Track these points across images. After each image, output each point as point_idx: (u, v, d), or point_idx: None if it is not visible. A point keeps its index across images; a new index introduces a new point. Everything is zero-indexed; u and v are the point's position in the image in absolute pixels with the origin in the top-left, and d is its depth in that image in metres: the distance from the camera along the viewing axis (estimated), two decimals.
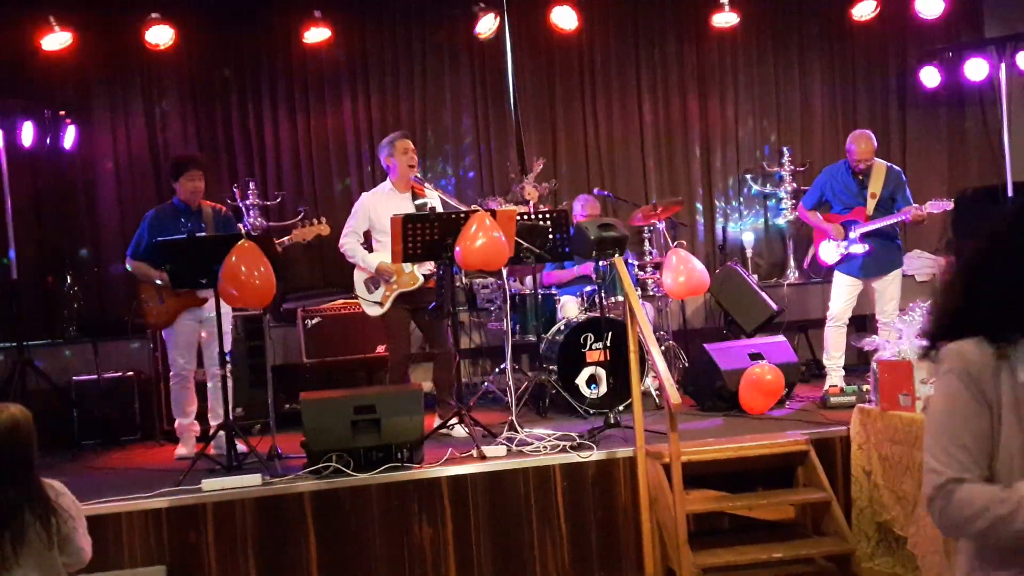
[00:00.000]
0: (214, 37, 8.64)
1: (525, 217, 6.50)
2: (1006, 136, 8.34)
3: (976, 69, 8.68)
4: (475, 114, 9.10)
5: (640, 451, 5.34)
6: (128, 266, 6.43)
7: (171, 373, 6.42)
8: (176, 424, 6.48)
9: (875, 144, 7.02)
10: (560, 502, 5.37)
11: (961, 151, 9.69)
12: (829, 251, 7.06)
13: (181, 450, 6.37)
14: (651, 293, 7.80)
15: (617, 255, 6.12)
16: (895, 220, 6.82)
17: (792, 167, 9.17)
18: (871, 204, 6.91)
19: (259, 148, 8.72)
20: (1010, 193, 8.23)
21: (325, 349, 7.49)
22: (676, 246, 6.84)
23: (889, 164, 7.10)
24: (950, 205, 6.89)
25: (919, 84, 9.06)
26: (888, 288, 6.91)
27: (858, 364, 7.47)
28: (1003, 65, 8.42)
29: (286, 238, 6.42)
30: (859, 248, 6.89)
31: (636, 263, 7.82)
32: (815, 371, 8.07)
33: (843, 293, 6.96)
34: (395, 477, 5.22)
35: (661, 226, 7.76)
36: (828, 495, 5.18)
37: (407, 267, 6.35)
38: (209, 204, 6.49)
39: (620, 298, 6.85)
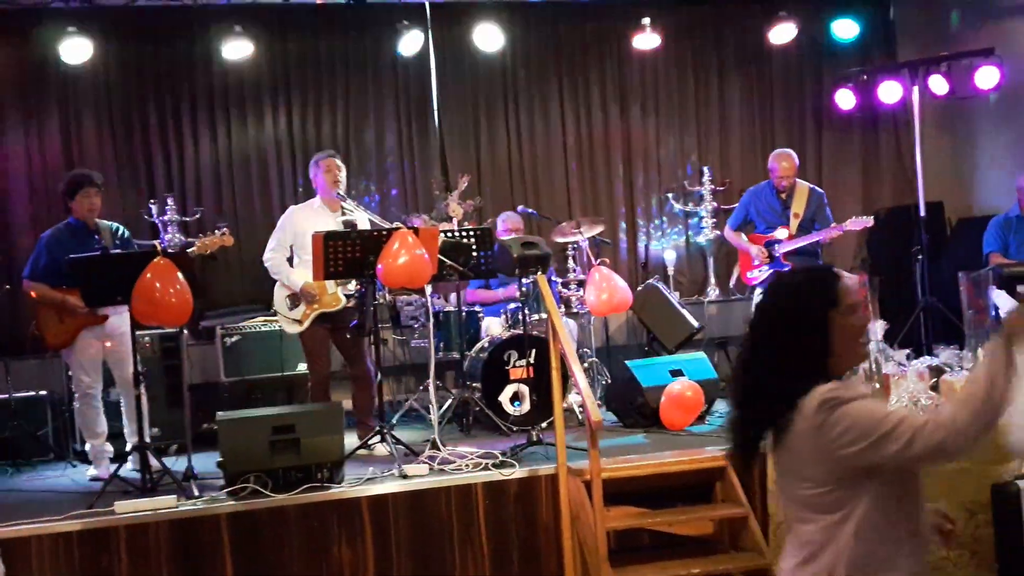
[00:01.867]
0: (132, 51, 8.50)
1: (449, 234, 6.50)
2: (919, 157, 8.56)
3: (890, 92, 8.90)
4: (399, 131, 9.08)
5: (562, 468, 5.36)
6: (26, 287, 6.29)
7: (76, 394, 6.28)
8: (88, 445, 6.33)
9: (796, 162, 7.18)
10: (482, 520, 5.35)
11: (875, 172, 9.94)
12: (753, 270, 7.21)
13: (93, 471, 6.23)
14: (574, 310, 7.83)
15: (540, 273, 6.15)
16: (814, 239, 6.98)
17: (712, 186, 9.31)
18: (794, 224, 7.08)
19: (178, 163, 8.58)
20: (922, 213, 8.45)
21: (244, 367, 7.39)
22: (599, 264, 6.89)
23: (812, 186, 7.27)
24: (870, 222, 7.08)
25: (834, 106, 9.27)
26: None
27: None
28: (916, 88, 8.64)
29: (188, 250, 6.32)
30: (781, 267, 7.04)
31: (559, 280, 7.85)
32: None
33: None
34: (314, 498, 5.16)
35: (584, 244, 7.81)
36: (745, 510, 5.25)
37: (330, 287, 6.30)
38: (106, 223, 6.39)
39: (543, 315, 6.87)
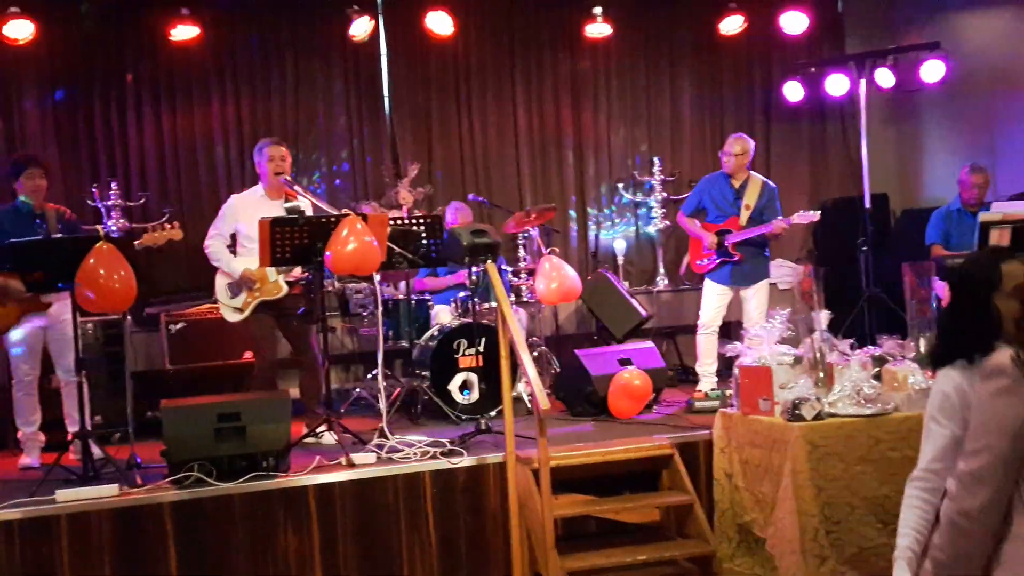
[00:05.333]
0: (77, 32, 8.31)
1: (398, 222, 6.47)
2: (864, 149, 8.68)
3: (837, 84, 9.00)
4: (349, 117, 9.00)
5: (510, 457, 5.36)
6: None
7: (14, 381, 6.16)
8: (20, 433, 6.23)
9: (750, 147, 7.23)
10: (430, 509, 5.34)
11: (822, 163, 10.06)
12: (703, 258, 7.27)
13: (25, 460, 6.13)
14: (524, 299, 7.85)
15: (490, 261, 6.14)
16: (762, 231, 7.05)
17: (662, 176, 9.36)
18: (744, 215, 7.15)
19: (122, 147, 8.43)
20: (867, 204, 8.57)
21: (189, 355, 7.30)
22: (549, 253, 6.90)
23: (765, 179, 7.34)
24: (816, 217, 7.16)
25: (783, 98, 9.35)
26: (755, 297, 7.14)
27: (722, 369, 7.66)
28: (863, 81, 8.75)
29: (136, 242, 6.22)
30: (730, 257, 7.10)
31: (510, 269, 7.85)
32: (682, 376, 8.26)
33: (713, 301, 7.17)
34: (260, 486, 5.10)
35: (535, 233, 7.82)
36: (691, 498, 5.29)
37: (271, 275, 6.23)
38: (52, 207, 6.29)
39: (493, 304, 6.87)
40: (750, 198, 7.17)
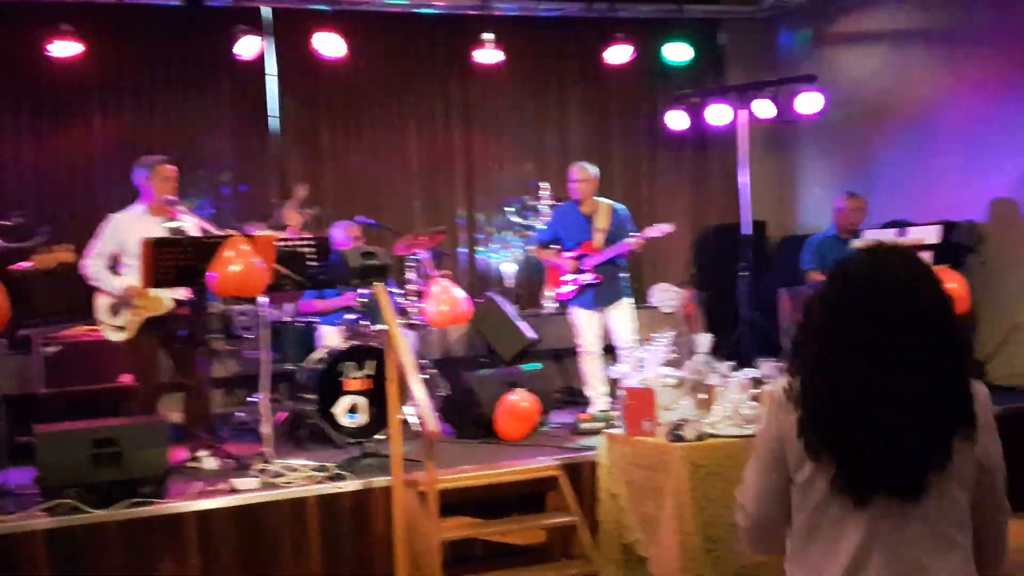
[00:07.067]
0: None
1: (285, 243, 6.39)
2: (744, 178, 8.92)
3: (718, 114, 9.24)
4: (235, 137, 8.86)
5: (397, 480, 5.34)
6: None
7: None
8: None
9: (593, 173, 7.40)
10: (315, 534, 5.28)
11: (705, 191, 10.32)
12: (564, 286, 7.40)
13: None
14: (413, 321, 7.82)
15: (379, 283, 6.12)
16: (620, 251, 7.23)
17: (551, 201, 9.46)
18: (599, 238, 7.32)
19: None
20: (747, 231, 8.80)
21: (66, 378, 7.06)
22: (441, 276, 6.92)
23: (613, 203, 7.52)
24: (671, 228, 7.37)
25: (666, 127, 9.56)
26: (620, 317, 7.29)
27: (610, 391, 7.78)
28: (743, 111, 9.01)
29: (26, 264, 6.01)
30: (589, 279, 7.24)
31: (399, 291, 7.82)
32: (569, 398, 8.34)
33: (585, 327, 7.29)
34: (137, 513, 4.98)
35: (425, 255, 7.82)
36: (575, 519, 5.35)
37: (155, 291, 6.10)
38: None
39: (383, 326, 6.84)
40: (601, 222, 7.37)
